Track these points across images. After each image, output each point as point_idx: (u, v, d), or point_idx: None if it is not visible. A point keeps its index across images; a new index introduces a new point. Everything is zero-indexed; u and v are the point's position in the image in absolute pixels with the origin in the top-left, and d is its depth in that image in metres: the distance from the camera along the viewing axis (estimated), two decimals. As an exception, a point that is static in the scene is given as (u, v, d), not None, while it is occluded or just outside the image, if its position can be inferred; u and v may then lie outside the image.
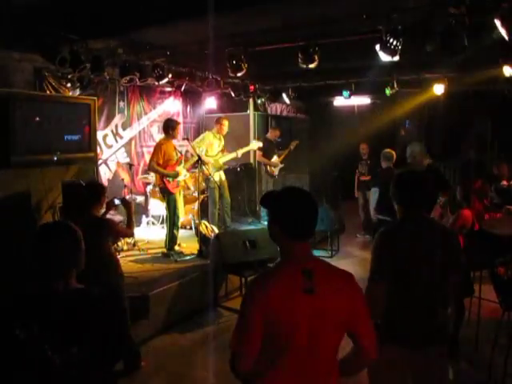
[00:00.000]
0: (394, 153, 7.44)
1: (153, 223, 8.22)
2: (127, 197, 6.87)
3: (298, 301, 1.87)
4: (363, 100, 10.93)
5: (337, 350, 1.99)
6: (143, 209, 8.16)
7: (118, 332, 2.00)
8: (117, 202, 4.34)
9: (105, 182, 7.93)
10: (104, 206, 4.16)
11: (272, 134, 9.26)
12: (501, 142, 10.25)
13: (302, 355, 1.89)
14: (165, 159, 6.57)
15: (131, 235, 4.38)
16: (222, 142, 7.81)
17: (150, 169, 6.81)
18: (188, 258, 6.60)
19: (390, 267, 2.56)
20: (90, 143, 6.37)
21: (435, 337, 2.63)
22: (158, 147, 6.59)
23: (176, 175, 6.67)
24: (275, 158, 9.08)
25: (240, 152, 7.83)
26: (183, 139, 7.86)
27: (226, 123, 7.63)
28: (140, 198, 8.22)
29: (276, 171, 9.09)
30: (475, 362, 4.44)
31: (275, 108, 11.52)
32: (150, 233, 7.89)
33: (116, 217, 6.27)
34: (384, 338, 2.57)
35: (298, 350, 1.88)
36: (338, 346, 1.99)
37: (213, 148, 7.62)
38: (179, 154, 6.86)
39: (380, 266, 2.58)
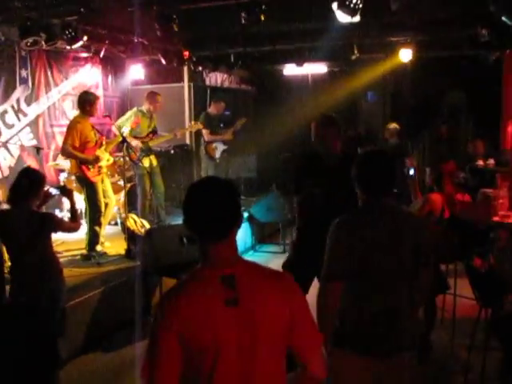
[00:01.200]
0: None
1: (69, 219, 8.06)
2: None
3: (219, 317, 1.81)
4: (318, 68, 11.13)
5: (281, 372, 1.92)
6: (57, 202, 8.07)
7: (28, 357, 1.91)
8: (54, 191, 4.40)
9: (5, 170, 7.80)
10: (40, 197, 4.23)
11: (215, 108, 9.29)
12: (476, 116, 10.52)
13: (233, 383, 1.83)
14: (82, 141, 6.52)
15: (77, 229, 4.45)
16: (154, 122, 7.88)
17: (63, 153, 6.74)
18: (113, 259, 6.60)
19: (346, 263, 2.58)
20: (-17, 122, 6.24)
21: (403, 342, 2.65)
22: (73, 126, 6.53)
23: (96, 160, 6.64)
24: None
25: (179, 133, 7.87)
26: (104, 117, 7.80)
27: (160, 100, 7.71)
28: (52, 190, 8.09)
29: (217, 153, 9.23)
30: (450, 368, 4.56)
31: (215, 78, 11.55)
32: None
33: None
34: (340, 343, 2.64)
35: (227, 376, 1.81)
36: (282, 367, 1.93)
37: (141, 128, 7.66)
38: (98, 135, 6.82)
39: (335, 262, 2.60)
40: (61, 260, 6.08)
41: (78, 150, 6.49)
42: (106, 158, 6.84)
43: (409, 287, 2.64)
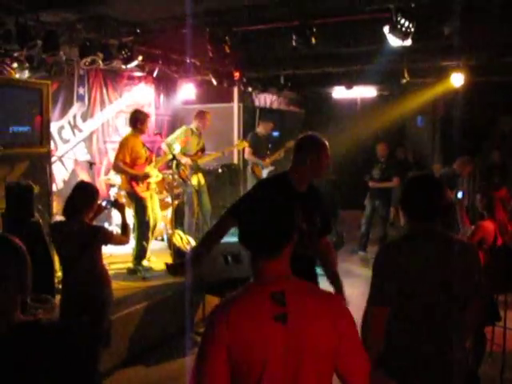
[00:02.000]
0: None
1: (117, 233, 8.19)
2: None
3: (267, 332, 1.81)
4: (368, 91, 11.05)
5: None
6: (106, 216, 8.19)
7: (80, 373, 1.87)
8: (107, 204, 4.45)
9: (59, 184, 7.97)
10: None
11: (263, 128, 9.28)
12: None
13: None
14: (132, 157, 6.60)
15: (127, 243, 4.52)
16: (203, 140, 7.92)
17: (115, 168, 6.86)
18: (158, 274, 6.62)
19: (393, 289, 2.53)
20: (42, 136, 6.34)
21: (449, 377, 2.56)
22: (125, 143, 6.64)
23: (146, 176, 6.71)
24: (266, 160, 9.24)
25: (226, 151, 7.94)
26: (155, 134, 7.93)
27: (209, 118, 7.77)
28: (104, 204, 8.24)
29: (264, 173, 9.20)
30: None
31: (264, 99, 11.66)
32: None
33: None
34: (382, 367, 2.57)
35: None
36: None
37: (191, 146, 7.70)
38: (148, 152, 6.92)
39: (382, 287, 2.56)
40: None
41: (128, 166, 6.57)
42: (155, 175, 6.89)
43: (457, 318, 2.56)
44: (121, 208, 4.48)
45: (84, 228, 4.08)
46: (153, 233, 7.03)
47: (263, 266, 1.89)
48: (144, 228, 6.69)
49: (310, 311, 1.85)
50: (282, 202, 1.91)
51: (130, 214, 6.95)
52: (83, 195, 4.15)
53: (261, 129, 9.30)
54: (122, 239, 4.43)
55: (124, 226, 4.43)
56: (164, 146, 7.71)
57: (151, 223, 6.81)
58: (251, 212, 1.91)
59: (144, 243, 6.71)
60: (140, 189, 6.65)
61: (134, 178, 6.61)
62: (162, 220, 8.04)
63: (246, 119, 10.34)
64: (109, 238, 4.24)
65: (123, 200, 7.30)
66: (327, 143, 3.49)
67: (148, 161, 6.80)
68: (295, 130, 11.23)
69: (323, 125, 11.42)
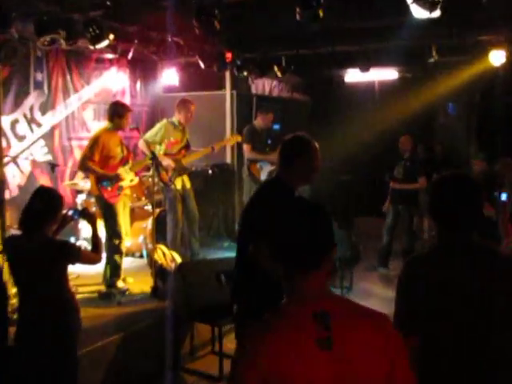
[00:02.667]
0: None
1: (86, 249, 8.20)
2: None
3: (310, 359, 1.85)
4: (387, 74, 11.06)
5: None
6: (72, 229, 8.22)
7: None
8: (73, 214, 4.44)
9: (13, 189, 7.94)
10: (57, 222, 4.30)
11: (262, 121, 9.31)
12: None
13: None
14: (103, 155, 6.71)
15: (98, 261, 4.53)
16: (187, 135, 8.03)
17: (80, 167, 6.97)
18: (137, 298, 6.65)
19: (422, 313, 2.52)
20: (-10, 133, 6.43)
21: None
22: (96, 139, 6.77)
23: (116, 178, 6.80)
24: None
25: (217, 147, 7.93)
26: (131, 129, 7.87)
27: (193, 109, 7.87)
28: (71, 213, 8.19)
29: (263, 174, 9.23)
30: None
31: (262, 85, 11.62)
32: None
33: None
34: None
35: None
36: None
37: (173, 143, 7.83)
38: (125, 152, 7.01)
39: (408, 312, 2.56)
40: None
41: (97, 166, 6.66)
42: (128, 178, 6.98)
43: (500, 347, 2.54)
44: (91, 219, 4.46)
45: (46, 244, 4.05)
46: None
47: (301, 281, 1.94)
48: (115, 239, 6.75)
49: (358, 334, 1.90)
50: (319, 208, 1.99)
51: (102, 225, 6.98)
52: (44, 204, 4.10)
53: (259, 121, 9.32)
54: (92, 257, 4.40)
55: (95, 240, 4.40)
56: (141, 145, 7.82)
57: (124, 234, 6.89)
58: (286, 221, 1.96)
59: (116, 258, 6.77)
60: (108, 193, 6.74)
61: (101, 180, 6.69)
62: (139, 233, 8.23)
63: (241, 110, 10.36)
64: (76, 256, 4.19)
65: (93, 209, 7.38)
66: (317, 145, 3.75)
67: (122, 161, 6.89)
68: (300, 121, 11.28)
69: (334, 115, 11.71)
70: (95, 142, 6.70)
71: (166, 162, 7.60)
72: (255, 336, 1.93)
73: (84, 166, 6.74)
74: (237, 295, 3.88)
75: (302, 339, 1.86)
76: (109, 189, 6.73)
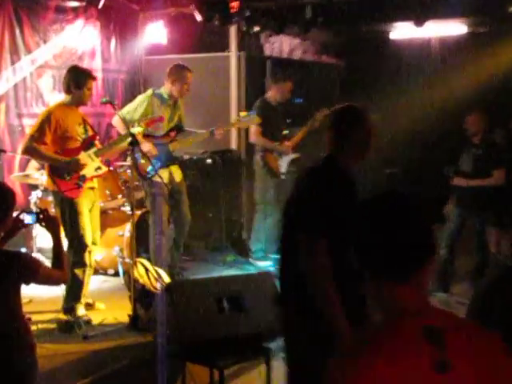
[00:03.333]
0: None
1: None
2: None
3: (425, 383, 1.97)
4: (451, 28, 11.14)
5: None
6: (24, 237, 8.35)
7: None
8: (29, 218, 4.46)
9: None
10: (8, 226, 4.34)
11: (277, 92, 9.29)
12: None
13: None
14: (57, 136, 6.78)
15: (62, 281, 4.65)
16: (179, 112, 8.07)
17: (24, 150, 6.96)
18: (110, 330, 6.68)
19: None
20: None
21: None
22: (47, 115, 6.85)
23: (75, 165, 6.83)
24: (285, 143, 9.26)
25: (220, 131, 7.91)
26: (102, 104, 8.04)
27: (190, 77, 7.89)
28: (25, 217, 8.38)
29: (283, 166, 9.21)
30: None
31: (279, 45, 11.74)
32: (34, 284, 8.01)
33: None
34: None
35: None
36: None
37: (161, 122, 7.79)
38: (90, 132, 7.11)
39: None
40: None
41: (48, 148, 6.75)
42: (93, 166, 7.03)
43: None
44: (50, 224, 4.42)
45: None
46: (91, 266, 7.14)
47: (398, 291, 2.07)
48: (77, 248, 6.84)
49: (475, 355, 2.03)
50: (416, 203, 2.12)
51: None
52: None
53: (273, 93, 9.28)
54: (55, 275, 4.36)
55: (57, 253, 4.37)
56: (116, 122, 7.77)
57: (89, 241, 6.96)
58: (381, 218, 2.10)
59: (79, 275, 6.85)
60: (65, 185, 6.79)
61: (56, 168, 6.76)
62: (113, 242, 8.28)
63: (251, 78, 10.38)
64: (34, 272, 4.15)
65: (53, 210, 7.45)
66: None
67: (85, 144, 6.97)
68: (330, 93, 11.37)
69: (375, 85, 11.68)
70: (46, 118, 6.75)
71: (146, 146, 7.54)
72: (358, 356, 2.03)
73: (29, 148, 6.76)
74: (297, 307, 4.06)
75: (416, 361, 1.99)
76: (66, 178, 6.77)
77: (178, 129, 7.98)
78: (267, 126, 8.96)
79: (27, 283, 4.15)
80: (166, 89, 7.87)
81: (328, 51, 12.62)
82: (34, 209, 8.00)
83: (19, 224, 4.43)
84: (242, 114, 8.96)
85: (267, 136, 9.07)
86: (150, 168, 7.56)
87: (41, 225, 4.48)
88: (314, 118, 9.20)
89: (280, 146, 9.18)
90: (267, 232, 9.10)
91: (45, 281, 4.35)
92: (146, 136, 7.65)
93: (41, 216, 4.44)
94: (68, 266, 4.56)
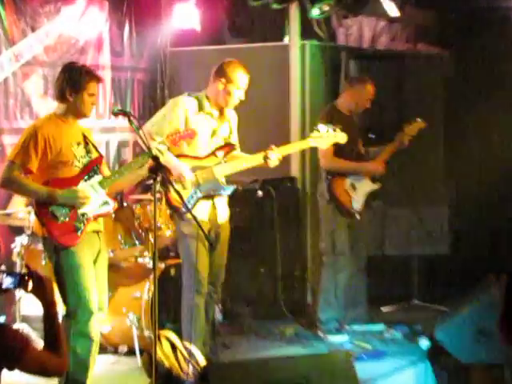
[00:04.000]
0: None
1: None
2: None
3: None
4: None
5: None
6: (3, 301, 8.42)
7: None
8: (9, 281, 4.40)
9: None
10: None
11: (351, 99, 9.22)
12: None
13: None
14: (46, 160, 6.70)
15: (59, 370, 4.38)
16: (230, 125, 8.04)
17: (2, 183, 6.91)
18: None
19: None
20: None
21: None
22: (33, 133, 6.77)
23: (73, 199, 6.72)
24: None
25: (275, 155, 7.71)
26: (115, 114, 7.67)
27: (245, 77, 7.78)
28: (4, 280, 8.77)
29: (357, 201, 9.17)
30: None
31: (358, 32, 11.91)
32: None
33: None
34: None
35: None
36: None
37: (202, 139, 7.75)
38: (93, 154, 7.01)
39: None
40: None
41: (37, 180, 6.68)
42: (98, 201, 6.87)
43: None
44: (40, 289, 4.25)
45: None
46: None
47: None
48: (79, 317, 6.72)
49: None
50: None
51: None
52: None
53: (347, 99, 9.24)
54: (48, 361, 4.11)
55: (51, 329, 4.21)
56: (141, 139, 7.56)
57: (93, 306, 6.82)
58: None
59: (80, 354, 6.73)
60: (60, 229, 6.64)
61: (45, 206, 6.64)
62: (126, 308, 8.24)
63: (318, 75, 10.40)
64: (20, 353, 3.95)
65: (43, 263, 7.88)
66: None
67: (86, 172, 6.83)
68: (432, 96, 11.30)
69: (497, 85, 11.52)
70: (31, 137, 6.68)
71: (178, 168, 7.43)
72: None
73: (7, 180, 6.69)
74: None
75: None
76: (60, 219, 6.62)
77: (229, 146, 7.89)
78: (339, 144, 8.68)
79: (10, 368, 3.98)
80: (209, 93, 7.77)
81: (427, 37, 12.39)
82: (18, 264, 8.18)
83: None
84: (321, 126, 8.53)
85: (345, 155, 8.95)
86: (189, 195, 7.51)
87: (26, 290, 4.32)
88: (403, 132, 9.15)
89: (368, 166, 9.10)
90: (339, 293, 8.93)
91: (34, 368, 4.10)
92: (183, 156, 7.61)
93: (26, 278, 4.31)
94: (64, 351, 4.21)
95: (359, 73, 10.08)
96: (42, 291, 4.29)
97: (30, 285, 4.29)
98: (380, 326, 9.22)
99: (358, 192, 9.07)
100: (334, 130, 8.37)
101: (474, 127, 11.39)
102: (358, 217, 9.09)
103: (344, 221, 9.06)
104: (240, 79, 7.71)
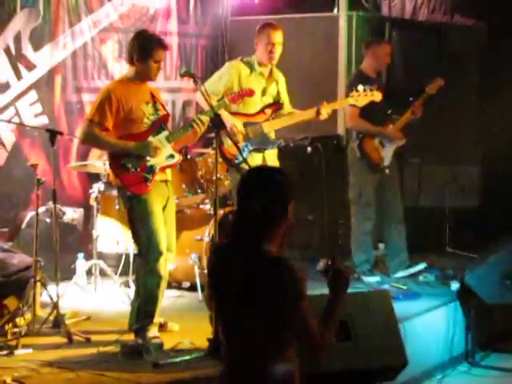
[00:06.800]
0: None
1: (102, 274, 8.56)
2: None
3: None
4: None
5: None
6: (80, 239, 8.74)
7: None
8: (320, 266, 4.56)
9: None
10: None
11: (372, 59, 9.37)
12: None
13: None
14: (120, 118, 6.86)
15: (312, 352, 3.76)
16: (278, 86, 8.19)
17: (83, 138, 7.19)
18: (186, 358, 6.57)
19: None
20: None
21: None
22: (106, 94, 6.93)
23: (146, 150, 6.91)
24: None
25: (327, 109, 7.95)
26: (181, 76, 8.06)
27: (274, 35, 7.89)
28: (74, 214, 8.76)
29: (386, 157, 9.38)
30: None
31: (400, 4, 11.95)
32: (93, 297, 8.32)
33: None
34: None
35: None
36: None
37: (252, 98, 7.89)
38: (161, 112, 7.13)
39: None
40: (84, 352, 6.78)
41: (111, 134, 6.84)
42: (165, 154, 7.06)
43: None
44: (336, 279, 3.93)
45: None
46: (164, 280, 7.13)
47: None
48: (152, 258, 6.87)
49: None
50: None
51: (124, 235, 8.02)
52: None
53: (369, 61, 9.39)
54: (313, 330, 3.60)
55: (330, 312, 3.84)
56: (200, 98, 7.76)
57: (163, 247, 6.95)
58: None
59: (151, 289, 6.91)
60: (131, 179, 6.87)
61: (118, 158, 6.85)
62: (189, 249, 8.53)
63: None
64: (300, 298, 3.59)
65: (117, 207, 8.17)
66: None
67: (155, 127, 7.01)
68: (466, 65, 11.46)
69: None
70: (106, 98, 6.83)
71: (230, 122, 7.65)
72: None
73: (88, 136, 6.92)
74: None
75: None
76: (131, 170, 6.84)
77: (276, 105, 8.06)
78: (365, 107, 8.86)
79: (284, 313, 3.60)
80: (257, 56, 7.96)
81: (463, 9, 12.42)
82: (95, 208, 8.46)
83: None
84: (360, 87, 8.77)
85: (366, 119, 9.10)
86: (241, 147, 7.68)
87: (325, 277, 3.94)
88: (425, 93, 9.31)
89: (388, 131, 9.25)
90: (368, 239, 9.34)
91: (295, 326, 3.65)
92: (235, 114, 7.80)
93: (330, 268, 4.00)
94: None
95: (400, 42, 10.13)
96: (337, 283, 3.95)
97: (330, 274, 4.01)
98: (422, 265, 9.47)
99: (387, 149, 9.30)
100: (371, 90, 8.53)
101: (506, 93, 11.21)
102: (387, 171, 9.33)
103: (373, 176, 9.33)
104: (272, 36, 7.87)
